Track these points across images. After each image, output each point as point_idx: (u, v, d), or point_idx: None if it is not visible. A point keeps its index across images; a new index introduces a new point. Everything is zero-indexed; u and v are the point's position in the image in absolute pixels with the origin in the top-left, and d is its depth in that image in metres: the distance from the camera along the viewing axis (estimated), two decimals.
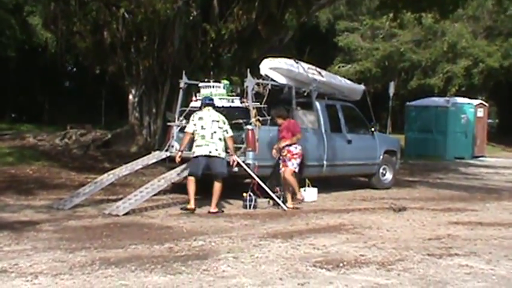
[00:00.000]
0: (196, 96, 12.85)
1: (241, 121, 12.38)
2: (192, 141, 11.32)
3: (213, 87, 12.71)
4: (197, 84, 13.16)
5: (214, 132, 11.08)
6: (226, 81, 13.10)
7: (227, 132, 11.20)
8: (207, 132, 11.06)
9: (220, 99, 12.51)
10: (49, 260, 6.98)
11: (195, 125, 11.16)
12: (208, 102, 11.48)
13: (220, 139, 11.09)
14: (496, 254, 7.93)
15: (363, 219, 10.48)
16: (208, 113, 11.26)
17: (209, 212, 10.77)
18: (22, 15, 29.47)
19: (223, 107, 12.47)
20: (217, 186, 10.97)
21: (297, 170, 11.72)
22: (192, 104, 12.80)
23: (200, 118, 11.18)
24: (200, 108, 11.53)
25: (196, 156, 11.06)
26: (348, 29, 35.20)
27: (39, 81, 32.06)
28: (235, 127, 12.55)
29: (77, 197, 11.13)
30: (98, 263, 6.90)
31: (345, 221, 10.26)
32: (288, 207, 11.34)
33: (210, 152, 11.00)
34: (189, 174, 11.16)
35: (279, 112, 12.07)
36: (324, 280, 6.46)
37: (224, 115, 12.43)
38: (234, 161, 11.33)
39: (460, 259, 7.57)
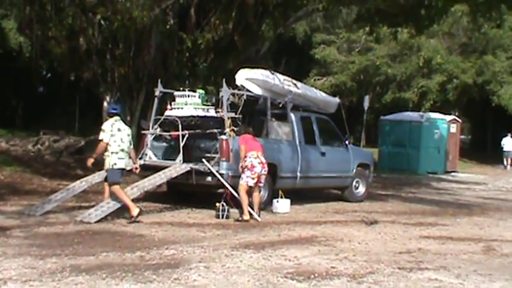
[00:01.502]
0: (171, 104, 12.82)
1: (215, 131, 12.38)
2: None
3: (188, 96, 12.71)
4: (172, 93, 13.14)
5: (131, 145, 10.88)
6: (201, 91, 13.09)
7: (131, 143, 10.93)
8: (125, 146, 10.71)
9: (195, 108, 12.51)
10: (19, 267, 6.91)
11: (112, 135, 10.61)
12: (116, 112, 10.99)
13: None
14: (466, 268, 8.01)
15: (335, 231, 10.51)
16: (123, 126, 10.85)
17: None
18: None
19: (198, 116, 12.46)
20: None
21: (249, 184, 11.39)
22: (167, 112, 12.77)
23: (119, 130, 10.71)
24: (111, 116, 10.92)
25: (119, 169, 10.67)
26: (325, 42, 35.39)
27: (13, 86, 31.70)
28: (210, 137, 12.56)
29: (49, 203, 11.03)
30: (68, 270, 6.84)
31: (317, 233, 10.28)
32: (243, 219, 11.21)
33: (126, 166, 10.88)
34: (115, 183, 10.63)
35: (247, 129, 12.05)
36: None
37: (199, 125, 12.46)
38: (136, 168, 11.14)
39: (430, 273, 7.63)
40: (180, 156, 12.32)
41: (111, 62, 18.25)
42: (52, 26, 18.31)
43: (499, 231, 11.58)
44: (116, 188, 10.61)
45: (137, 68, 18.03)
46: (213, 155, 12.16)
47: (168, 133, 12.91)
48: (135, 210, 10.45)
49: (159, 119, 12.83)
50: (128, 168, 12.02)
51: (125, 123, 11.30)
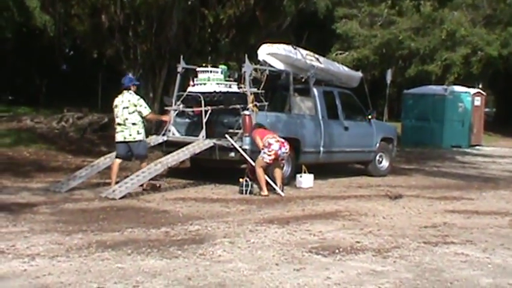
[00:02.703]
0: (193, 81, 12.81)
1: (238, 106, 12.37)
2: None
3: (211, 72, 12.66)
4: (195, 69, 13.12)
5: (126, 119, 11.22)
6: (224, 66, 13.05)
7: (143, 112, 11.28)
8: (121, 119, 11.28)
9: (217, 84, 12.47)
10: (46, 242, 6.99)
11: (115, 110, 11.44)
12: (124, 86, 11.48)
13: (134, 123, 11.20)
14: (492, 242, 7.95)
15: (359, 206, 10.49)
16: (122, 98, 11.33)
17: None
18: None
19: (220, 92, 12.44)
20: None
21: (264, 160, 11.35)
22: (190, 88, 12.76)
23: (115, 106, 11.39)
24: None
25: (117, 142, 11.38)
26: (347, 16, 35.01)
27: (37, 64, 31.90)
28: (233, 112, 12.55)
29: (74, 180, 11.14)
30: (94, 245, 6.91)
31: (341, 207, 10.27)
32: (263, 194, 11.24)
33: (125, 138, 11.28)
34: (116, 156, 11.48)
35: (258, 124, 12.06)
36: (320, 266, 6.48)
37: (221, 100, 12.43)
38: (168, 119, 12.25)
39: (456, 247, 7.59)
40: (203, 132, 12.33)
41: (134, 39, 18.28)
42: (74, 4, 18.38)
43: None
44: (115, 161, 11.32)
45: (159, 44, 18.04)
46: (236, 131, 12.16)
47: (191, 109, 12.91)
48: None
49: (182, 95, 12.83)
50: (152, 144, 12.16)
51: (137, 94, 11.58)
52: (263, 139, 11.42)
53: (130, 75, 12.19)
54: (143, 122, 11.40)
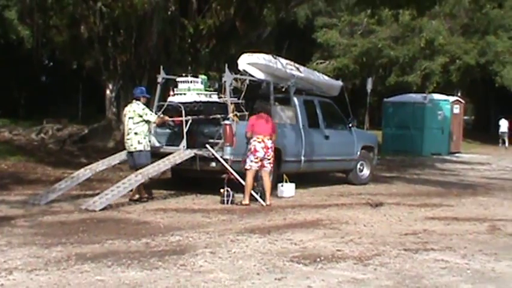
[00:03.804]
0: (173, 90, 12.79)
1: (218, 116, 12.36)
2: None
3: (191, 82, 12.63)
4: (175, 79, 13.09)
5: (130, 129, 11.41)
6: (204, 77, 13.03)
7: (150, 120, 11.52)
8: (126, 129, 11.56)
9: (198, 94, 12.46)
10: (24, 256, 6.91)
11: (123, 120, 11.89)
12: (134, 95, 11.82)
13: (136, 133, 11.35)
14: (471, 248, 8.00)
15: (340, 214, 10.51)
16: (129, 108, 11.58)
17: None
18: None
19: (201, 102, 12.43)
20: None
21: (253, 168, 11.41)
22: (170, 98, 12.72)
23: (124, 115, 11.73)
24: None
25: (127, 152, 11.72)
26: (327, 25, 35.26)
27: (15, 76, 31.72)
28: (213, 122, 12.54)
29: (53, 192, 11.04)
30: (73, 258, 6.84)
31: (322, 216, 10.28)
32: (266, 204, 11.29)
33: (129, 148, 11.51)
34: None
35: (265, 107, 12.06)
36: (301, 275, 6.47)
37: (202, 110, 12.43)
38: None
39: (436, 254, 7.63)
40: (184, 142, 12.31)
41: (113, 49, 18.23)
42: (53, 15, 18.31)
43: (503, 211, 11.58)
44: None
45: (139, 55, 18.00)
46: (217, 141, 12.15)
47: (171, 119, 12.87)
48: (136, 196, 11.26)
49: (162, 105, 12.80)
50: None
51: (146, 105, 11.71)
52: (253, 136, 11.42)
53: (143, 87, 12.28)
54: (147, 132, 11.49)
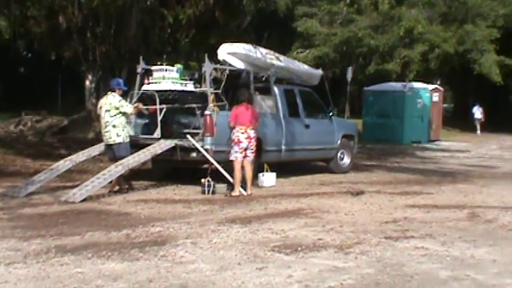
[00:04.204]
0: (148, 79, 12.65)
1: (194, 105, 12.31)
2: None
3: (166, 70, 12.48)
4: (150, 68, 12.94)
5: (107, 121, 11.33)
6: (179, 65, 12.87)
7: (127, 111, 11.38)
8: (103, 122, 11.46)
9: (173, 83, 12.35)
10: (2, 249, 6.86)
11: (99, 112, 11.65)
12: (110, 87, 11.68)
13: (114, 126, 11.27)
14: (451, 235, 8.07)
15: (321, 203, 10.54)
16: (105, 100, 11.48)
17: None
18: None
19: (176, 91, 12.33)
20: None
21: (238, 159, 11.44)
22: (145, 87, 12.62)
23: (100, 107, 11.59)
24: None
25: (104, 145, 11.72)
26: (307, 14, 35.13)
27: None
28: (188, 112, 12.48)
29: (32, 184, 10.96)
30: (53, 250, 6.80)
31: (303, 205, 10.30)
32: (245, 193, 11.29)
33: (107, 141, 11.46)
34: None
35: (248, 96, 12.00)
36: (283, 264, 6.48)
37: (177, 99, 12.33)
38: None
39: (416, 241, 7.67)
40: (158, 131, 12.24)
41: (92, 40, 18.12)
42: (30, 5, 18.11)
43: (482, 198, 11.67)
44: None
45: (119, 45, 17.91)
46: (192, 130, 12.11)
47: (145, 107, 12.70)
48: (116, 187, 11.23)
49: (138, 93, 12.67)
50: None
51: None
52: (236, 127, 11.39)
53: (119, 79, 12.13)
54: (125, 124, 11.41)
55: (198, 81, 12.66)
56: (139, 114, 12.65)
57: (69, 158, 11.98)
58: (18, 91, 30.52)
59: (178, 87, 12.41)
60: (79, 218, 8.79)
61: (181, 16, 17.83)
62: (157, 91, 12.34)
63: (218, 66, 12.83)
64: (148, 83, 12.59)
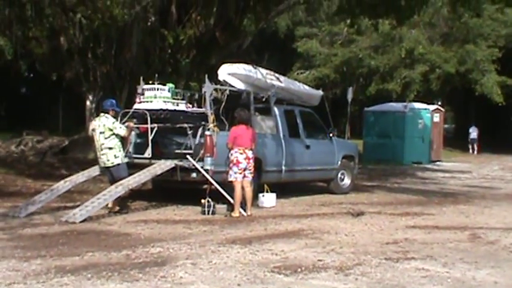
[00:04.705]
0: (140, 98, 12.51)
1: (186, 125, 12.29)
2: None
3: (157, 89, 12.35)
4: (142, 87, 12.84)
5: (102, 144, 11.23)
6: (171, 84, 12.72)
7: (120, 133, 11.26)
8: (98, 145, 11.33)
9: (164, 102, 12.24)
10: (3, 269, 6.83)
11: (91, 134, 11.53)
12: (103, 108, 11.55)
13: (110, 148, 11.19)
14: (452, 257, 8.03)
15: (322, 224, 10.51)
16: (98, 122, 11.34)
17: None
18: None
19: (167, 110, 12.24)
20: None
21: (238, 180, 11.39)
22: (136, 105, 12.48)
23: (93, 130, 11.43)
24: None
25: (100, 167, 11.58)
26: (307, 35, 35.41)
27: None
28: (180, 131, 12.45)
29: (33, 204, 10.94)
30: (53, 271, 6.77)
31: (303, 226, 10.27)
32: (244, 214, 11.26)
33: (105, 164, 11.33)
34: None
35: (246, 116, 11.98)
36: (283, 285, 6.46)
37: (168, 118, 12.29)
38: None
39: (417, 263, 7.64)
40: (149, 151, 12.20)
41: (93, 60, 18.18)
42: (32, 27, 18.20)
43: (484, 219, 11.64)
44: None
45: (119, 66, 17.96)
46: (184, 151, 12.11)
47: (136, 125, 12.52)
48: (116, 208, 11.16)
49: (128, 112, 12.44)
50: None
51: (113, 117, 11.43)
52: (234, 148, 11.38)
53: (113, 100, 12.02)
54: (120, 144, 11.34)
55: (199, 101, 12.67)
56: (142, 135, 12.64)
57: (69, 178, 11.97)
58: (19, 111, 30.66)
59: (170, 106, 12.28)
60: (79, 239, 8.77)
61: (182, 37, 17.89)
62: (148, 110, 12.20)
63: (218, 86, 12.85)
64: (140, 102, 12.45)
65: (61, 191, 11.58)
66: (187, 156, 11.89)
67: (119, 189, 10.99)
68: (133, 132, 12.68)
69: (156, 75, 12.83)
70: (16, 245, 8.19)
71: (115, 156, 11.21)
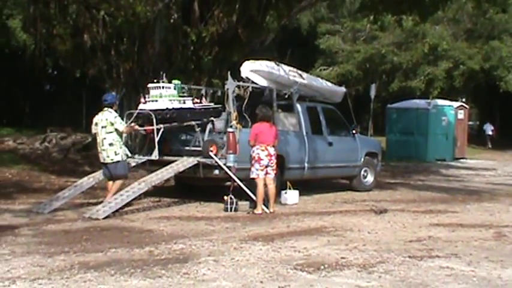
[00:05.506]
0: (145, 98, 12.36)
1: (193, 123, 12.22)
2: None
3: (163, 88, 12.17)
4: (147, 86, 12.66)
5: (104, 138, 11.10)
6: (177, 81, 12.51)
7: (119, 129, 11.11)
8: (99, 139, 11.18)
9: (170, 100, 12.10)
10: (27, 265, 6.89)
11: (95, 130, 11.28)
12: (106, 102, 11.31)
13: (111, 144, 11.07)
14: (477, 255, 7.95)
15: (344, 221, 10.47)
16: (101, 116, 11.18)
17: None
18: (1, 18, 29.20)
19: (173, 108, 12.06)
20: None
21: (260, 177, 11.36)
22: (141, 106, 12.30)
23: (95, 124, 11.24)
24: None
25: (100, 162, 11.40)
26: (329, 32, 35.27)
27: (20, 85, 31.80)
28: (188, 129, 12.37)
29: (57, 200, 11.04)
30: (77, 267, 6.82)
31: (326, 223, 10.24)
32: (267, 211, 11.25)
33: (104, 160, 11.19)
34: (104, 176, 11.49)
35: (268, 113, 11.95)
36: (305, 283, 6.43)
37: (174, 117, 12.06)
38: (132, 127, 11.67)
39: (441, 261, 7.57)
40: (156, 152, 12.07)
41: (116, 57, 18.23)
42: (56, 24, 18.30)
43: (509, 217, 11.51)
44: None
45: (142, 63, 17.98)
46: (192, 148, 12.07)
47: (141, 128, 12.24)
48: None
49: (132, 113, 12.21)
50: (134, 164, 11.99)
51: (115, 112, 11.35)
52: (256, 145, 11.35)
53: (113, 93, 11.91)
54: (121, 141, 11.22)
55: (221, 98, 12.64)
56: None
57: (92, 175, 12.04)
58: (43, 108, 30.91)
59: (176, 104, 12.11)
60: (102, 235, 8.82)
61: (204, 34, 17.88)
62: (153, 110, 11.96)
63: (241, 83, 12.84)
64: (145, 102, 12.24)
65: (84, 188, 11.67)
66: (210, 153, 11.86)
67: (142, 185, 11.05)
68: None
69: (163, 73, 12.60)
70: (40, 241, 8.26)
71: (115, 153, 11.09)
